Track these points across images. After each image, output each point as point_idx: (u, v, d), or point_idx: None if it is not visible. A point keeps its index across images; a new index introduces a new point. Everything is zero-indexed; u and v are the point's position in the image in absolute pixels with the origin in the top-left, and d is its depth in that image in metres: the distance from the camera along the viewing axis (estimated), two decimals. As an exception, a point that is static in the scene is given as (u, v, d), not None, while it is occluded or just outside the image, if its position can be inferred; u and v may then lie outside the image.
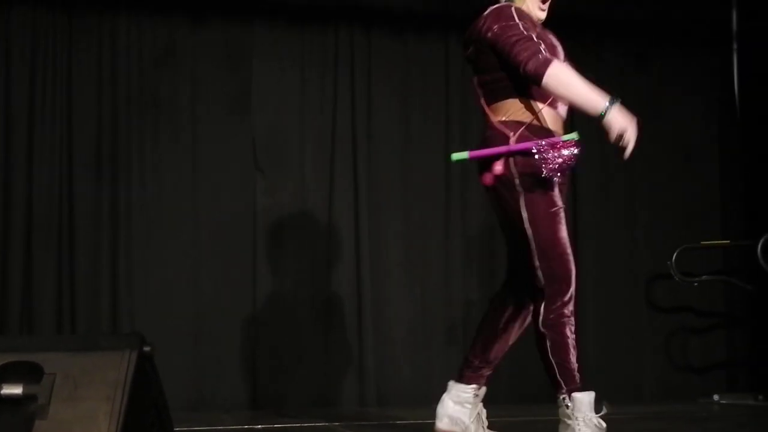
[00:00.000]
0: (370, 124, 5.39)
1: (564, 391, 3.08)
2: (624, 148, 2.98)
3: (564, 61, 3.20)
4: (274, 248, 5.20)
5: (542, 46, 3.07)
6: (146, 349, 2.39)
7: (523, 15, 3.17)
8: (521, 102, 3.15)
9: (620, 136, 2.97)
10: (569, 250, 3.10)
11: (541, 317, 3.10)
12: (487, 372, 3.37)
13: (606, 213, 5.64)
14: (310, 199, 5.28)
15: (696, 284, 5.43)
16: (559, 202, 3.12)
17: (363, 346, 5.22)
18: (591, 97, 3.01)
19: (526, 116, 3.14)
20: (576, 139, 3.05)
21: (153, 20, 5.17)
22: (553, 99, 3.14)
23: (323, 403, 5.12)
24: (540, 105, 3.14)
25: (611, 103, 2.99)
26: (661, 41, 5.72)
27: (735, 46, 5.84)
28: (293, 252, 5.23)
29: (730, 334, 5.74)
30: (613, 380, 5.43)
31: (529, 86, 3.13)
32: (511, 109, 3.15)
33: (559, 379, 3.09)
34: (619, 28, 5.73)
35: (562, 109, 3.21)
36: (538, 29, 3.20)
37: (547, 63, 3.02)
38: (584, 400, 3.06)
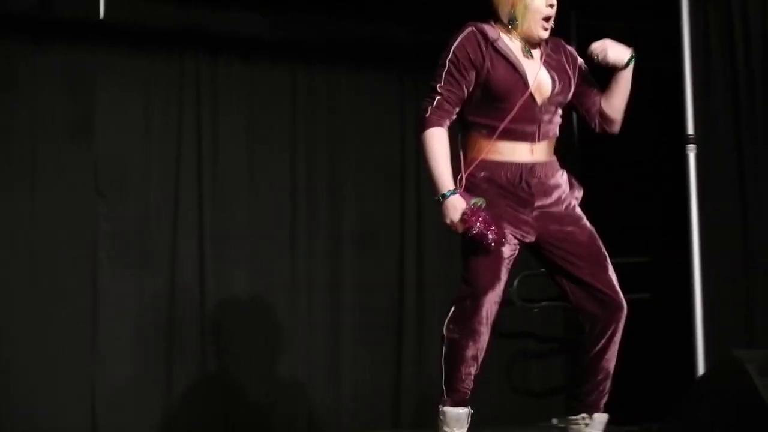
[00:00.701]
0: (215, 150, 5.35)
1: (442, 401, 3.16)
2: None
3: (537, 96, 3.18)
4: (116, 275, 5.09)
5: (435, 102, 3.14)
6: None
7: (471, 43, 3.16)
8: (471, 138, 3.20)
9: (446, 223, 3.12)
10: (492, 273, 3.14)
11: (446, 319, 3.18)
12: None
13: (450, 241, 5.72)
14: (154, 225, 5.19)
15: (536, 310, 5.57)
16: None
17: (207, 375, 5.15)
18: (437, 179, 3.12)
19: (474, 155, 3.19)
20: (478, 204, 3.10)
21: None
22: (505, 129, 3.15)
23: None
24: (486, 143, 3.17)
25: (448, 194, 3.10)
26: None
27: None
28: (136, 279, 5.13)
29: (569, 358, 5.90)
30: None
31: (470, 120, 3.18)
32: (465, 145, 3.22)
33: (443, 386, 3.17)
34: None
35: (528, 132, 3.18)
36: (495, 56, 3.16)
37: (424, 126, 3.14)
38: (452, 414, 3.15)
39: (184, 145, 5.30)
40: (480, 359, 3.18)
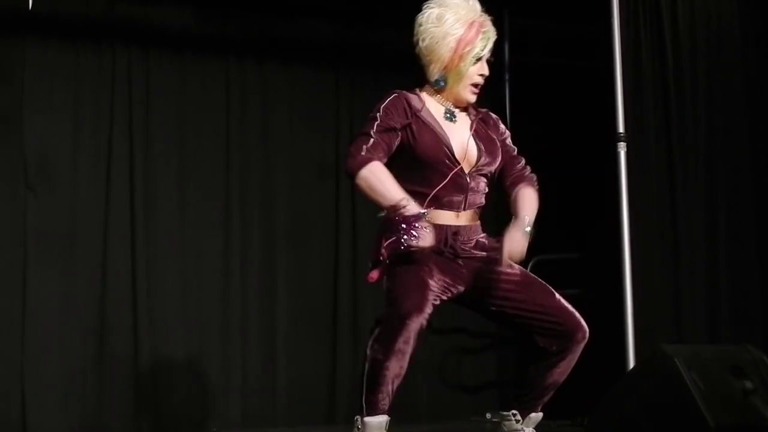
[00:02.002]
0: (147, 144, 5.29)
1: (362, 414, 3.09)
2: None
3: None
4: (45, 271, 5.00)
5: (371, 142, 3.10)
6: None
7: (397, 106, 3.15)
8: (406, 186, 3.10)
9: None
10: (419, 296, 3.09)
11: (371, 338, 3.10)
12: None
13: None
14: (85, 219, 5.11)
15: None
16: (426, 277, 3.11)
17: (139, 372, 5.09)
18: (387, 198, 3.05)
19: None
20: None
21: None
22: (433, 197, 3.13)
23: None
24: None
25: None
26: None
27: (507, 77, 6.10)
28: (66, 275, 5.05)
29: (501, 354, 5.95)
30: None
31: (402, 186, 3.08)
32: None
33: (363, 402, 3.09)
34: (394, 58, 5.86)
35: (454, 201, 3.17)
36: (420, 125, 3.16)
37: (361, 164, 3.07)
38: (373, 424, 3.08)
39: (115, 139, 5.23)
40: (403, 375, 3.11)
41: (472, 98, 3.26)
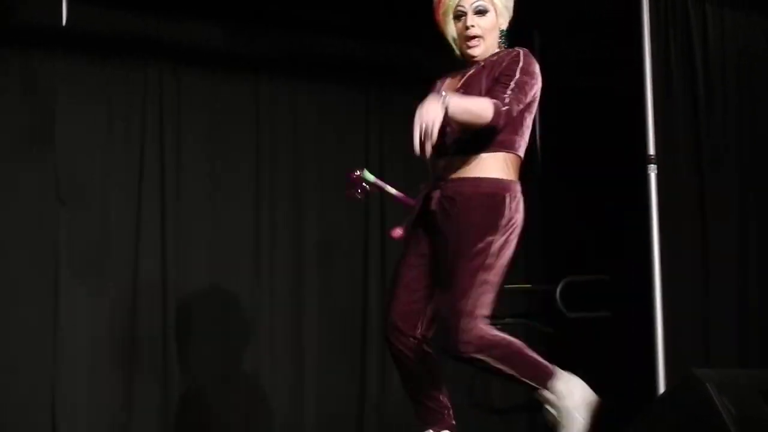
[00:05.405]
0: (178, 159, 5.31)
1: None
2: None
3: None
4: (77, 285, 5.02)
5: None
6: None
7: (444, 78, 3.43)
8: None
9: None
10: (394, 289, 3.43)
11: None
12: None
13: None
14: (116, 233, 5.14)
15: (499, 327, 5.57)
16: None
17: (168, 391, 5.10)
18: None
19: None
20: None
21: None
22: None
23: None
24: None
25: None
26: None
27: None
28: (97, 289, 5.07)
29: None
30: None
31: None
32: None
33: None
34: (423, 76, 5.86)
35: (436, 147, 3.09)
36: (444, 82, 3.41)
37: None
38: None
39: (147, 154, 5.25)
40: (415, 383, 3.48)
41: (473, 52, 3.32)
